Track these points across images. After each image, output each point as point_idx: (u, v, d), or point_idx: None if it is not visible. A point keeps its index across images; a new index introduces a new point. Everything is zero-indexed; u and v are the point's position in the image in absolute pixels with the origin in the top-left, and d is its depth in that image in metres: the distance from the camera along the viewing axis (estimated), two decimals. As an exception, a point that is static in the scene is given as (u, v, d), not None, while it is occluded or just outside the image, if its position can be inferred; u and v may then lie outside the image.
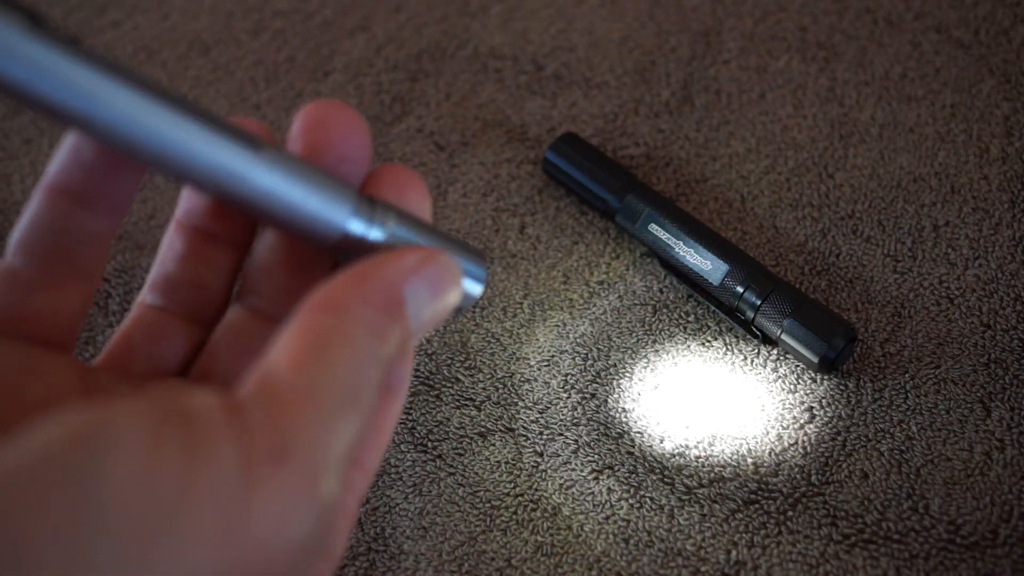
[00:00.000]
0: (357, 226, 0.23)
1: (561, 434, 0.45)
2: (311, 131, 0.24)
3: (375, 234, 0.23)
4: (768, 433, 0.44)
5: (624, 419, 0.45)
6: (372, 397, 0.21)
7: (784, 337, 0.45)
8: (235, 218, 0.25)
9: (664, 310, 0.48)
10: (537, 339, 0.48)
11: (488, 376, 0.47)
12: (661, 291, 0.49)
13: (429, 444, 0.45)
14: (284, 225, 0.22)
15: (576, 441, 0.45)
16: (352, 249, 0.23)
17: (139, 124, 0.20)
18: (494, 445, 0.45)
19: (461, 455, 0.45)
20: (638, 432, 0.45)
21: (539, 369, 0.47)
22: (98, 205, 0.23)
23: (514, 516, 0.43)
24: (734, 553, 0.41)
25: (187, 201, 0.25)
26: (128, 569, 0.16)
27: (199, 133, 0.21)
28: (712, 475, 0.43)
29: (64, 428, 0.17)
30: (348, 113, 0.24)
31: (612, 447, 0.44)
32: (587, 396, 0.46)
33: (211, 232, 0.25)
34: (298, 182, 0.22)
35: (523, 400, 0.46)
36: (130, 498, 0.16)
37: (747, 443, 0.44)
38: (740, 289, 0.46)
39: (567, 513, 0.43)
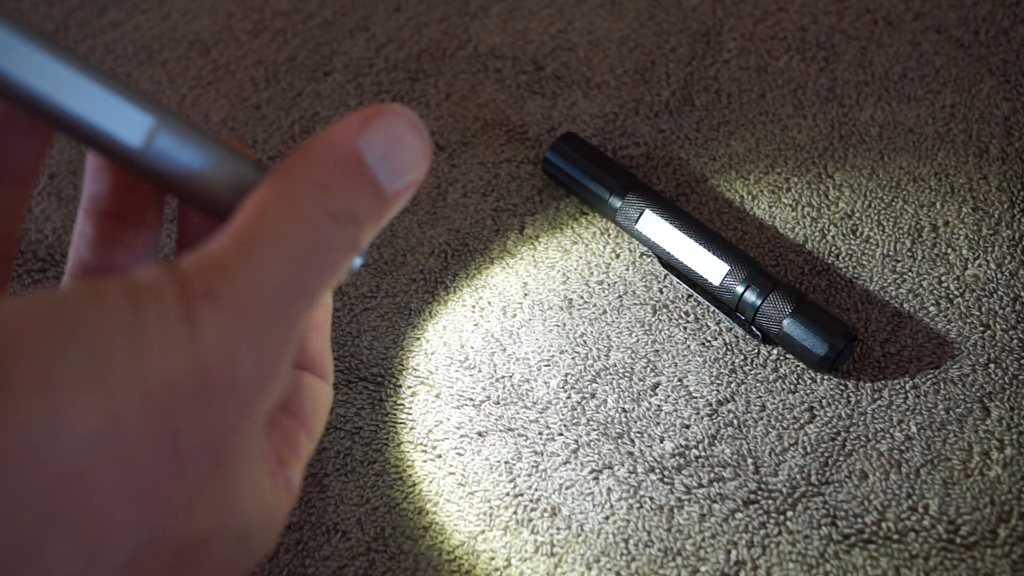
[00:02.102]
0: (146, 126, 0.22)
1: (561, 434, 0.45)
2: None
3: (150, 138, 0.22)
4: (768, 433, 0.44)
5: (624, 419, 0.45)
6: (335, 254, 0.21)
7: (784, 337, 0.45)
8: (140, 197, 0.25)
9: (664, 310, 0.48)
10: (537, 339, 0.48)
11: (488, 376, 0.47)
12: (661, 291, 0.49)
13: (429, 444, 0.45)
14: (79, 129, 0.22)
15: (576, 441, 0.45)
16: (143, 163, 0.22)
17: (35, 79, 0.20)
18: (494, 445, 0.45)
19: (461, 455, 0.45)
20: (638, 432, 0.45)
21: (539, 369, 0.47)
22: (28, 131, 0.23)
23: (514, 516, 0.43)
24: (734, 553, 0.41)
25: (91, 186, 0.25)
26: (93, 382, 0.18)
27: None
28: (712, 475, 0.43)
29: (21, 302, 0.18)
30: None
31: (612, 447, 0.44)
32: (587, 396, 0.46)
33: (119, 214, 0.25)
34: (99, 86, 0.21)
35: (523, 400, 0.46)
36: (87, 320, 0.18)
37: (747, 443, 0.44)
38: (740, 289, 0.46)
39: (567, 513, 0.43)
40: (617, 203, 0.49)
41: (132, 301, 0.19)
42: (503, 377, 0.47)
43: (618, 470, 0.44)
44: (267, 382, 0.20)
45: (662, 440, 0.44)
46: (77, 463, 0.17)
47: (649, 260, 0.50)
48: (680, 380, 0.46)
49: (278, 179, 0.21)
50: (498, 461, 0.45)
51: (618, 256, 0.50)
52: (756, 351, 0.47)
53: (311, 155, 0.21)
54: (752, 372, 0.46)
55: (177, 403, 0.18)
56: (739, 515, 0.42)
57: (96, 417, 0.17)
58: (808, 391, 0.45)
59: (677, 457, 0.44)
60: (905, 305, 0.47)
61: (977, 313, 0.47)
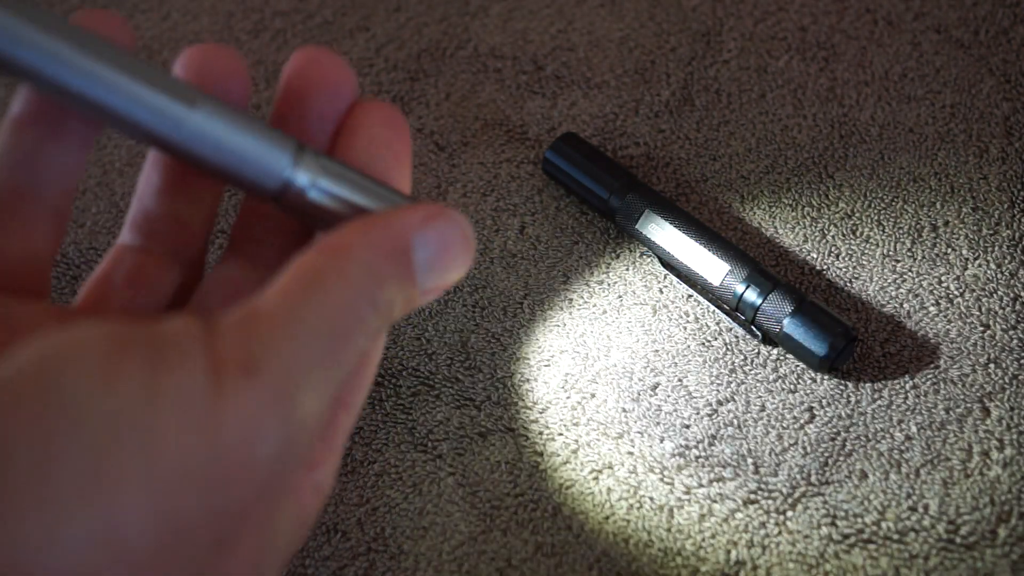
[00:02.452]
0: (288, 174, 0.22)
1: (561, 434, 0.45)
2: (298, 73, 0.24)
3: (300, 179, 0.22)
4: (768, 433, 0.44)
5: (624, 419, 0.45)
6: (365, 340, 0.21)
7: (784, 337, 0.45)
8: None
9: (664, 310, 0.48)
10: (537, 339, 0.48)
11: (488, 376, 0.47)
12: (661, 291, 0.49)
13: (429, 444, 0.45)
14: (221, 174, 0.22)
15: (576, 441, 0.45)
16: (295, 202, 0.23)
17: (70, 72, 0.20)
18: (494, 445, 0.45)
19: (461, 455, 0.45)
20: (638, 432, 0.45)
21: (539, 369, 0.47)
22: (65, 133, 0.23)
23: (514, 516, 0.43)
24: (734, 553, 0.41)
25: None
26: (97, 473, 0.17)
27: (130, 81, 0.21)
28: (712, 475, 0.43)
29: (31, 351, 0.17)
30: (333, 56, 0.24)
31: (612, 447, 0.44)
32: (587, 396, 0.46)
33: (186, 166, 0.25)
34: (233, 130, 0.22)
35: (523, 400, 0.46)
36: (94, 406, 0.17)
37: (747, 443, 0.44)
38: (740, 289, 0.46)
39: (567, 513, 0.43)
40: (617, 203, 0.49)
41: (152, 368, 0.18)
42: (503, 377, 0.47)
43: (618, 470, 0.44)
44: (290, 462, 0.20)
45: (662, 440, 0.44)
46: (74, 572, 0.17)
47: (649, 260, 0.50)
48: (680, 380, 0.46)
49: (334, 253, 0.21)
50: (498, 461, 0.45)
51: (618, 256, 0.50)
52: (756, 351, 0.47)
53: (369, 237, 0.21)
54: (752, 372, 0.46)
55: (187, 496, 0.18)
56: (739, 515, 0.42)
57: (96, 524, 0.17)
58: (808, 391, 0.45)
59: (677, 457, 0.44)
60: (905, 305, 0.47)
61: (977, 313, 0.47)
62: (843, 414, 0.44)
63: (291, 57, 0.24)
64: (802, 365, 0.46)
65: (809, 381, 0.45)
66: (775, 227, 0.51)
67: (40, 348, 0.17)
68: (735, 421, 0.45)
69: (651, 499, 0.43)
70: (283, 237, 0.25)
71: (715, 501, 0.43)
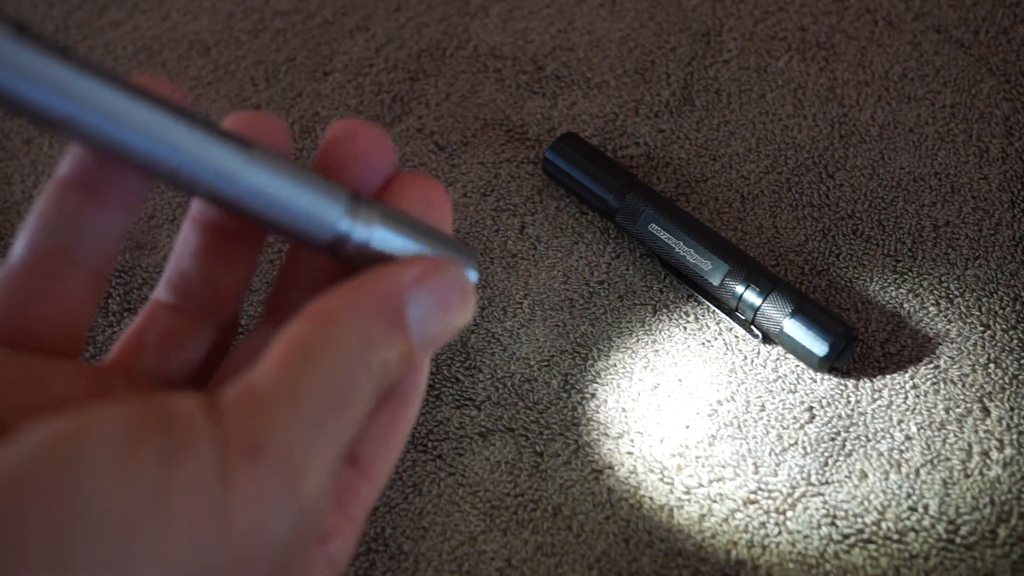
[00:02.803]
0: (349, 226, 0.22)
1: (561, 434, 0.45)
2: (336, 143, 0.24)
3: (359, 232, 0.22)
4: (768, 433, 0.44)
5: (624, 419, 0.45)
6: (363, 403, 0.21)
7: (784, 337, 0.45)
8: None
9: (664, 310, 0.48)
10: (537, 339, 0.48)
11: (488, 376, 0.47)
12: (661, 291, 0.49)
13: (429, 444, 0.45)
14: (275, 226, 0.22)
15: (576, 441, 0.45)
16: (349, 252, 0.23)
17: (128, 127, 0.20)
18: (494, 445, 0.45)
19: (461, 455, 0.45)
20: (638, 432, 0.45)
21: (539, 369, 0.47)
22: (108, 200, 0.23)
23: (514, 516, 0.43)
24: (734, 553, 0.41)
25: None
26: (111, 565, 0.17)
27: (187, 134, 0.21)
28: (712, 475, 0.43)
29: (44, 434, 0.17)
30: (372, 128, 0.24)
31: (612, 447, 0.44)
32: (587, 396, 0.46)
33: (225, 229, 0.25)
34: (287, 181, 0.22)
35: (523, 400, 0.46)
36: (109, 496, 0.17)
37: (747, 443, 0.44)
38: (740, 289, 0.46)
39: (567, 513, 0.43)
40: (617, 203, 0.49)
41: (167, 458, 0.18)
42: (503, 377, 0.47)
43: (618, 470, 0.44)
44: (302, 537, 0.20)
45: (662, 440, 0.44)
46: None
47: (649, 260, 0.50)
48: (680, 380, 0.46)
49: (322, 318, 0.21)
50: (499, 461, 0.45)
51: (618, 256, 0.50)
52: (756, 351, 0.47)
53: (358, 300, 0.21)
54: (752, 372, 0.46)
55: None
56: (739, 515, 0.42)
57: None
58: (808, 391, 0.45)
59: (677, 457, 0.44)
60: (905, 305, 0.47)
61: (977, 313, 0.47)
62: (843, 414, 0.44)
63: (328, 128, 0.24)
64: (802, 365, 0.46)
65: (809, 381, 0.45)
66: (775, 227, 0.51)
67: (54, 433, 0.17)
68: (735, 421, 0.45)
69: (651, 499, 0.43)
70: (300, 297, 0.25)
71: (715, 501, 0.43)
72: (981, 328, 0.46)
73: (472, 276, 0.25)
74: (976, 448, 0.43)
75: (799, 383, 0.45)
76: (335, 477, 0.21)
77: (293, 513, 0.19)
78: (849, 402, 0.45)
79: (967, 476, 0.42)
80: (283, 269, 0.26)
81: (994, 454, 0.43)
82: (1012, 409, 0.44)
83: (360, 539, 0.43)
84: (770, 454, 0.44)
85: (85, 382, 0.23)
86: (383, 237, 0.23)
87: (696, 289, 0.48)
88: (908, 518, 0.41)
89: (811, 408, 0.45)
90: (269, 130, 0.24)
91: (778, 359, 0.46)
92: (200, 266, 0.25)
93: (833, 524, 0.42)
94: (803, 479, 0.43)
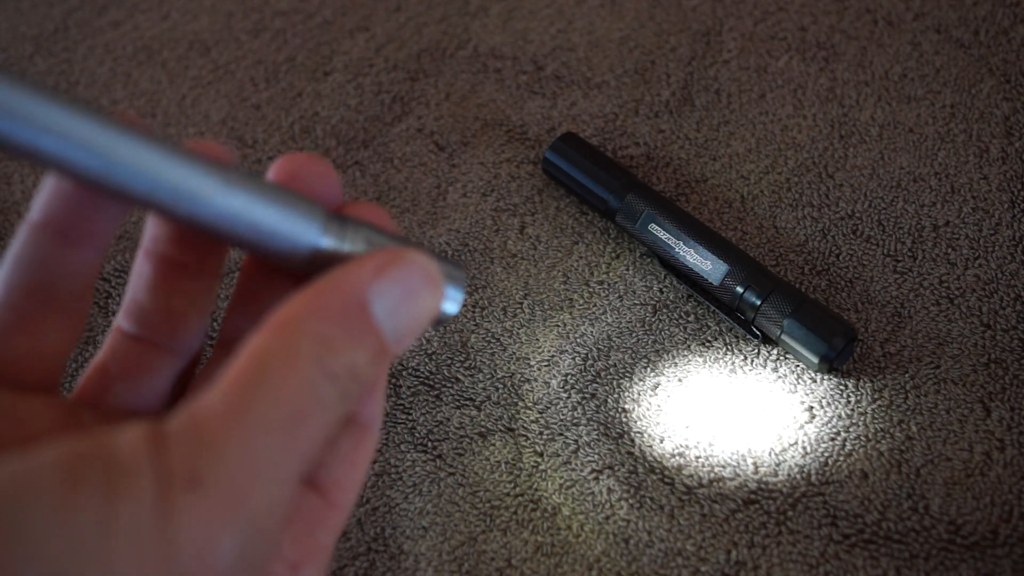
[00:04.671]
0: (328, 242, 0.22)
1: (561, 434, 0.45)
2: (284, 180, 0.23)
3: (348, 247, 0.22)
4: (768, 433, 0.44)
5: (624, 419, 0.45)
6: (328, 413, 0.20)
7: (784, 337, 0.45)
8: (201, 247, 0.24)
9: (664, 310, 0.48)
10: (537, 339, 0.48)
11: (488, 376, 0.47)
12: (661, 291, 0.49)
13: (429, 444, 0.45)
14: (252, 245, 0.22)
15: (576, 441, 0.45)
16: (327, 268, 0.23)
17: (100, 154, 0.20)
18: (494, 445, 0.45)
19: (461, 455, 0.45)
20: (638, 432, 0.45)
21: (539, 369, 0.47)
22: (81, 240, 0.23)
23: (514, 516, 0.43)
24: (734, 553, 0.41)
25: (152, 228, 0.24)
26: None
27: (160, 158, 0.20)
28: (712, 475, 0.43)
29: None
30: (321, 163, 0.24)
31: (612, 447, 0.44)
32: (587, 396, 0.46)
33: (179, 261, 0.24)
34: (263, 200, 0.22)
35: (523, 400, 0.46)
36: (50, 540, 0.17)
37: (747, 443, 0.44)
38: (740, 289, 0.46)
39: (567, 513, 0.43)
40: (617, 203, 0.49)
41: (106, 497, 0.18)
42: (503, 377, 0.47)
43: (618, 470, 0.44)
44: (252, 562, 0.19)
45: (662, 440, 0.44)
46: None
47: (649, 260, 0.50)
48: (680, 380, 0.46)
49: (280, 329, 0.20)
50: (498, 461, 0.45)
51: (618, 256, 0.50)
52: (756, 351, 0.47)
53: (317, 303, 0.20)
54: (752, 372, 0.46)
55: None
56: (739, 515, 0.42)
57: None
58: (808, 391, 0.45)
59: (677, 457, 0.44)
60: (905, 305, 0.47)
61: (977, 313, 0.47)
62: (843, 414, 0.44)
63: (276, 163, 0.23)
64: (802, 365, 0.46)
65: (809, 381, 0.45)
66: (775, 227, 0.51)
67: None
68: (735, 421, 0.45)
69: (651, 499, 0.43)
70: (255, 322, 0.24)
71: (715, 501, 0.43)
72: (981, 328, 0.46)
73: (459, 294, 0.24)
74: (977, 448, 0.43)
75: (799, 383, 0.45)
76: (294, 494, 0.20)
77: (239, 540, 0.19)
78: (849, 402, 0.45)
79: (968, 476, 0.42)
80: (235, 294, 0.25)
81: (995, 454, 0.43)
82: (1012, 409, 0.44)
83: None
84: (770, 454, 0.44)
85: (61, 417, 0.22)
86: (370, 246, 0.22)
87: (696, 289, 0.48)
88: (909, 518, 0.41)
89: (811, 408, 0.45)
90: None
91: (778, 359, 0.46)
92: (156, 299, 0.24)
93: (833, 524, 0.42)
94: (803, 479, 0.43)
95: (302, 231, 0.22)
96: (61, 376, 0.24)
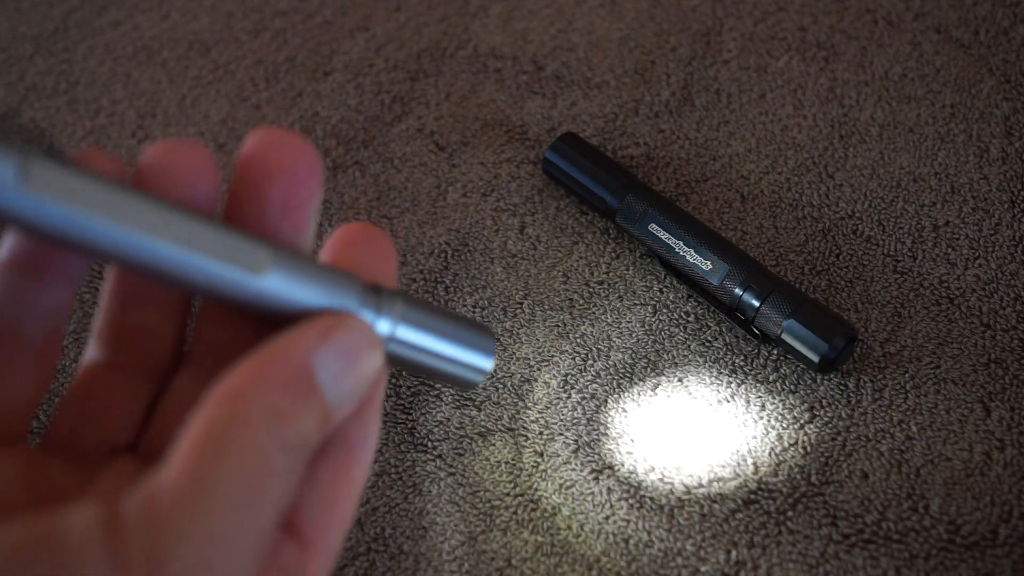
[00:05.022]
0: (366, 316, 0.22)
1: (561, 434, 0.45)
2: (257, 155, 0.22)
3: (383, 325, 0.22)
4: (768, 433, 0.44)
5: (624, 419, 0.45)
6: (283, 482, 0.20)
7: (784, 337, 0.45)
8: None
9: (664, 310, 0.48)
10: (537, 339, 0.48)
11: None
12: (661, 291, 0.49)
13: (429, 444, 0.45)
14: (280, 318, 0.22)
15: (576, 441, 0.45)
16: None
17: (150, 251, 0.20)
18: (494, 445, 0.45)
19: (461, 455, 0.45)
20: (638, 432, 0.45)
21: (539, 369, 0.47)
22: (50, 278, 0.22)
23: (514, 516, 0.43)
24: (734, 553, 0.41)
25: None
26: None
27: (202, 255, 0.20)
28: (712, 475, 0.43)
29: None
30: (296, 140, 0.23)
31: (612, 447, 0.44)
32: (587, 396, 0.46)
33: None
34: (305, 285, 0.21)
35: (523, 400, 0.46)
36: None
37: (747, 443, 0.44)
38: (740, 289, 0.46)
39: (567, 513, 0.43)
40: (617, 203, 0.49)
41: None
42: (503, 377, 0.47)
43: (618, 470, 0.44)
44: None
45: (662, 440, 0.44)
46: None
47: (649, 260, 0.50)
48: (680, 380, 0.46)
49: (231, 400, 0.19)
50: (498, 461, 0.45)
51: (618, 256, 0.50)
52: (756, 351, 0.47)
53: (266, 372, 0.20)
54: (752, 372, 0.46)
55: None
56: (739, 515, 0.42)
57: None
58: (808, 391, 0.45)
59: (677, 457, 0.44)
60: (905, 305, 0.47)
61: (977, 313, 0.47)
62: (843, 414, 0.44)
63: (248, 139, 0.22)
64: (802, 365, 0.46)
65: (809, 381, 0.45)
66: (775, 227, 0.51)
67: None
68: (735, 421, 0.45)
69: (651, 499, 0.43)
70: (240, 346, 0.23)
71: (715, 501, 0.43)
72: (982, 328, 0.46)
73: (489, 362, 0.24)
74: (977, 448, 0.43)
75: (799, 383, 0.45)
76: (260, 558, 0.19)
77: None
78: (849, 402, 0.45)
79: (968, 476, 0.42)
80: (203, 306, 0.25)
81: (995, 454, 0.43)
82: (1012, 409, 0.44)
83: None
84: (770, 454, 0.44)
85: (22, 475, 0.21)
86: (406, 331, 0.22)
87: (696, 289, 0.48)
88: (908, 518, 0.41)
89: (811, 408, 0.45)
90: (191, 161, 0.22)
91: (778, 359, 0.46)
92: (130, 315, 0.23)
93: (833, 524, 0.42)
94: (803, 479, 0.43)
95: (342, 306, 0.22)
96: (28, 425, 0.23)
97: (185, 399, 0.23)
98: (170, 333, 0.24)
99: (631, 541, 0.42)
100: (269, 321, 0.22)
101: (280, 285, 0.21)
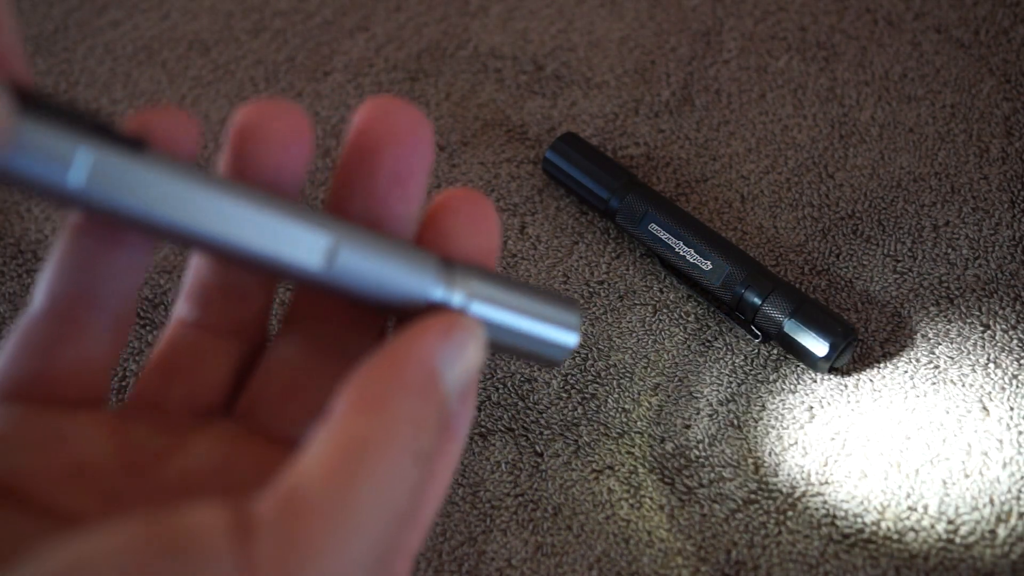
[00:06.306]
0: (439, 292, 0.22)
1: (561, 434, 0.45)
2: (368, 127, 0.22)
3: (457, 299, 0.22)
4: (768, 433, 0.44)
5: (624, 419, 0.45)
6: (411, 493, 0.19)
7: (784, 337, 0.45)
8: None
9: (664, 310, 0.48)
10: (537, 339, 0.48)
11: (488, 376, 0.47)
12: (661, 291, 0.49)
13: (429, 444, 0.45)
14: (357, 299, 0.22)
15: (576, 441, 0.45)
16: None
17: (223, 238, 0.20)
18: (494, 445, 0.45)
19: (461, 455, 0.45)
20: (638, 432, 0.45)
21: (539, 369, 0.47)
22: (125, 241, 0.22)
23: (514, 516, 0.43)
24: (734, 553, 0.41)
25: None
26: None
27: (269, 241, 0.20)
28: (712, 475, 0.43)
29: (48, 565, 0.16)
30: (409, 109, 0.22)
31: (612, 447, 0.44)
32: (587, 396, 0.46)
33: None
34: (380, 262, 0.21)
35: (523, 400, 0.46)
36: None
37: (747, 443, 0.44)
38: (740, 289, 0.46)
39: (567, 513, 0.43)
40: (617, 203, 0.49)
41: None
42: (504, 377, 0.47)
43: (618, 470, 0.44)
44: None
45: (663, 440, 0.44)
46: None
47: (649, 260, 0.50)
48: (680, 380, 0.46)
49: (375, 411, 0.19)
50: (499, 461, 0.45)
51: (618, 256, 0.50)
52: (756, 351, 0.47)
53: (400, 378, 0.20)
54: (752, 372, 0.46)
55: None
56: (739, 515, 0.42)
57: None
58: (808, 391, 0.45)
59: (678, 457, 0.44)
60: (905, 305, 0.47)
61: (977, 313, 0.47)
62: (843, 414, 0.44)
63: (361, 107, 0.22)
64: (802, 365, 0.46)
65: (809, 381, 0.45)
66: (775, 227, 0.51)
67: (56, 565, 0.16)
68: (735, 421, 0.45)
69: (651, 499, 0.43)
70: (342, 312, 0.23)
71: (715, 501, 0.43)
72: (981, 328, 0.46)
73: (573, 337, 0.24)
74: (976, 448, 0.43)
75: (799, 383, 0.45)
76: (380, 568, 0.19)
77: None
78: (849, 402, 0.45)
79: (967, 476, 0.42)
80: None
81: (994, 454, 0.43)
82: (1012, 409, 0.44)
83: None
84: (770, 454, 0.44)
85: (110, 438, 0.21)
86: (482, 304, 0.22)
87: (696, 289, 0.48)
88: (908, 518, 0.41)
89: (811, 408, 0.45)
90: (281, 125, 0.22)
91: (778, 359, 0.46)
92: (219, 274, 0.23)
93: (833, 524, 0.42)
94: (803, 479, 0.43)
95: (417, 285, 0.21)
96: (108, 387, 0.23)
97: (284, 365, 0.23)
98: (260, 294, 0.24)
99: (631, 541, 0.42)
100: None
101: (351, 266, 0.21)
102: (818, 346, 0.44)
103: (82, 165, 0.18)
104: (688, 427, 0.45)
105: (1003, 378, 0.45)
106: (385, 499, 0.18)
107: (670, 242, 0.48)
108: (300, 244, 0.20)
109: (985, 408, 0.44)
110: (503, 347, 0.23)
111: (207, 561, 0.16)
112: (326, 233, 0.21)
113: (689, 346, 0.47)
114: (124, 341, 0.23)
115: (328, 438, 0.18)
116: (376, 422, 0.19)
